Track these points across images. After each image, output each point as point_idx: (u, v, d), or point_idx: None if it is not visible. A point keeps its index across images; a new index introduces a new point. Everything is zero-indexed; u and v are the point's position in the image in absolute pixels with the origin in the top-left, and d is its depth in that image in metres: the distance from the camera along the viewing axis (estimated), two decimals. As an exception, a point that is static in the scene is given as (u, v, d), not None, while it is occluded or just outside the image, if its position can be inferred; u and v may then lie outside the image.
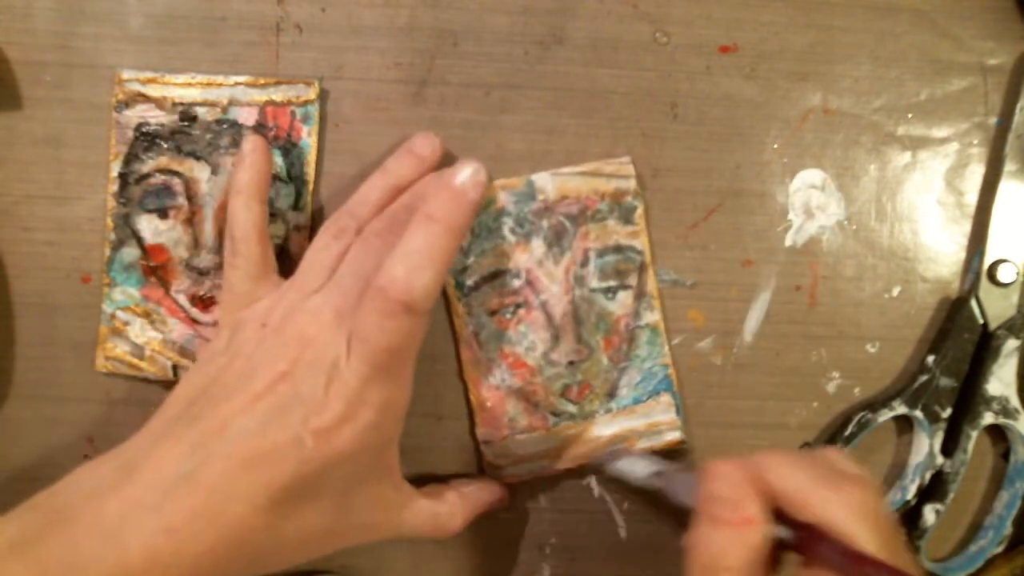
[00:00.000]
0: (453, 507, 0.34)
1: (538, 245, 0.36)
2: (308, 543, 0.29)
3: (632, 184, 0.37)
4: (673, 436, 0.37)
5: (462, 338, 0.36)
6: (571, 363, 0.36)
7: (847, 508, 0.26)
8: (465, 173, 0.28)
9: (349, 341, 0.28)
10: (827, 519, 0.26)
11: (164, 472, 0.27)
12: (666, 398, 0.37)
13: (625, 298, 0.37)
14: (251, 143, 0.33)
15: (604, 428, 0.37)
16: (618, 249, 0.37)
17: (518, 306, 0.36)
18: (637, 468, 0.34)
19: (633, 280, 0.37)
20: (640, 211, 0.37)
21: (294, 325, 0.29)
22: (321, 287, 0.30)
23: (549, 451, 0.36)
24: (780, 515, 0.27)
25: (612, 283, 0.37)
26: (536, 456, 0.36)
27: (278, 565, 0.29)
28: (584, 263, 0.36)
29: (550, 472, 0.37)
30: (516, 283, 0.36)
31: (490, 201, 0.36)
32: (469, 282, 0.36)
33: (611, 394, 0.37)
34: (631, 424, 0.37)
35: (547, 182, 0.36)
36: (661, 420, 0.37)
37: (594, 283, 0.36)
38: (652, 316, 0.37)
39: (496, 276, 0.36)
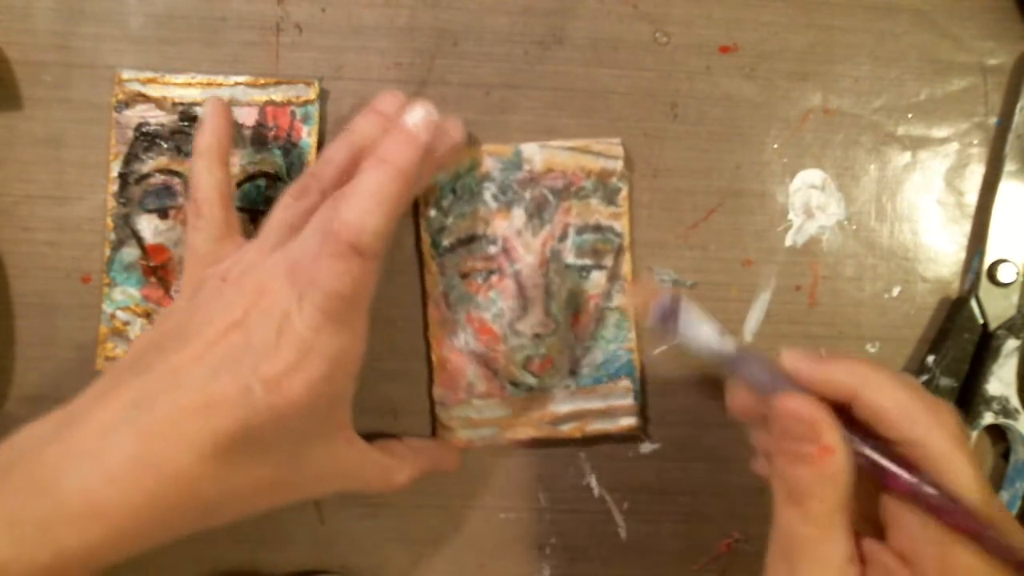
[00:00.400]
0: (403, 461, 0.33)
1: (519, 214, 0.36)
2: (257, 495, 0.29)
3: (619, 166, 0.37)
4: (628, 422, 0.37)
5: (431, 297, 0.36)
6: (536, 335, 0.36)
7: (943, 433, 0.25)
8: (417, 115, 0.28)
9: (302, 290, 0.28)
10: (923, 441, 0.25)
11: (107, 420, 0.26)
12: (625, 383, 0.37)
13: (598, 278, 0.37)
14: (211, 106, 0.33)
15: (561, 404, 0.37)
16: (598, 228, 0.37)
17: (491, 272, 0.36)
18: (702, 334, 0.29)
19: (609, 261, 0.37)
20: (624, 193, 0.37)
21: (252, 278, 0.29)
22: (282, 244, 0.30)
23: (503, 420, 0.36)
24: (862, 431, 0.26)
25: (587, 261, 0.37)
26: (489, 423, 0.37)
27: (227, 517, 0.29)
28: (562, 238, 0.37)
29: (501, 442, 0.37)
30: (492, 249, 0.36)
31: (475, 164, 0.36)
32: (445, 242, 0.36)
33: (572, 371, 0.37)
34: (589, 404, 0.37)
35: (535, 153, 0.37)
36: (618, 404, 0.37)
37: (570, 259, 0.37)
38: (623, 299, 0.37)
39: (473, 240, 0.36)
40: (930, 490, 0.25)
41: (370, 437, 0.33)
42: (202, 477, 0.26)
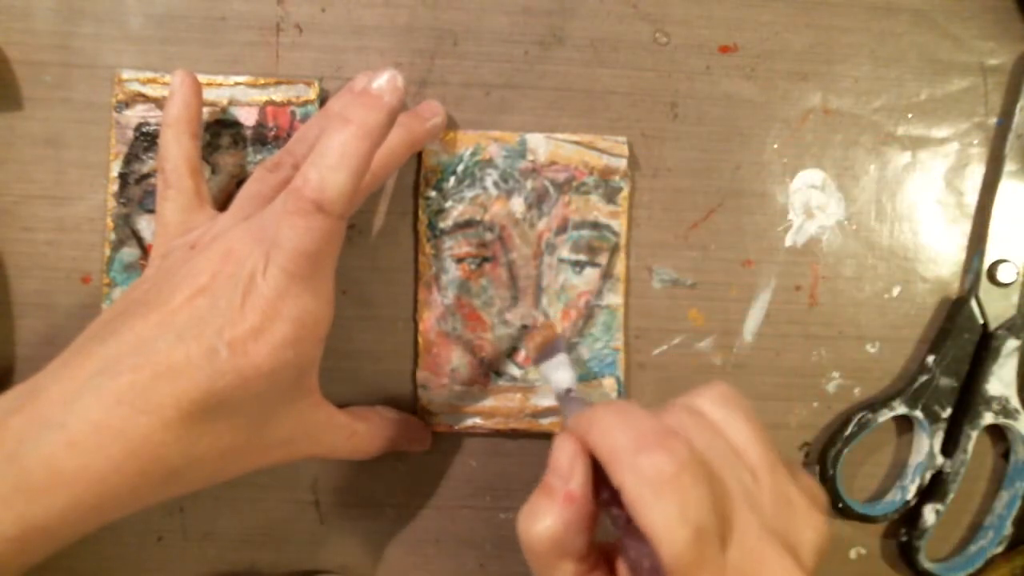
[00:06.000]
0: (372, 427, 0.33)
1: (518, 204, 0.36)
2: (224, 461, 0.29)
3: (623, 164, 0.37)
4: None
5: (423, 279, 0.36)
6: (524, 327, 0.36)
7: (639, 477, 0.23)
8: (382, 79, 0.28)
9: (267, 251, 0.28)
10: (622, 487, 0.24)
11: (71, 389, 0.26)
12: (609, 382, 0.37)
13: (592, 275, 0.37)
14: (179, 77, 0.33)
15: (543, 398, 0.37)
16: (596, 226, 0.37)
17: (485, 259, 0.36)
18: (558, 377, 0.33)
19: (603, 259, 0.37)
20: (625, 193, 0.37)
21: (220, 244, 0.29)
22: (254, 215, 0.30)
23: (483, 409, 0.37)
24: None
25: (582, 257, 0.37)
26: (470, 411, 0.37)
27: (195, 484, 0.29)
28: (559, 232, 0.37)
29: (480, 430, 0.37)
30: (488, 236, 0.36)
31: (479, 149, 0.36)
32: (442, 225, 0.36)
33: None
34: None
35: (540, 144, 0.37)
36: None
37: (564, 253, 0.37)
38: (614, 299, 0.37)
39: (470, 225, 0.36)
40: (632, 547, 0.25)
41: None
42: (167, 443, 0.26)
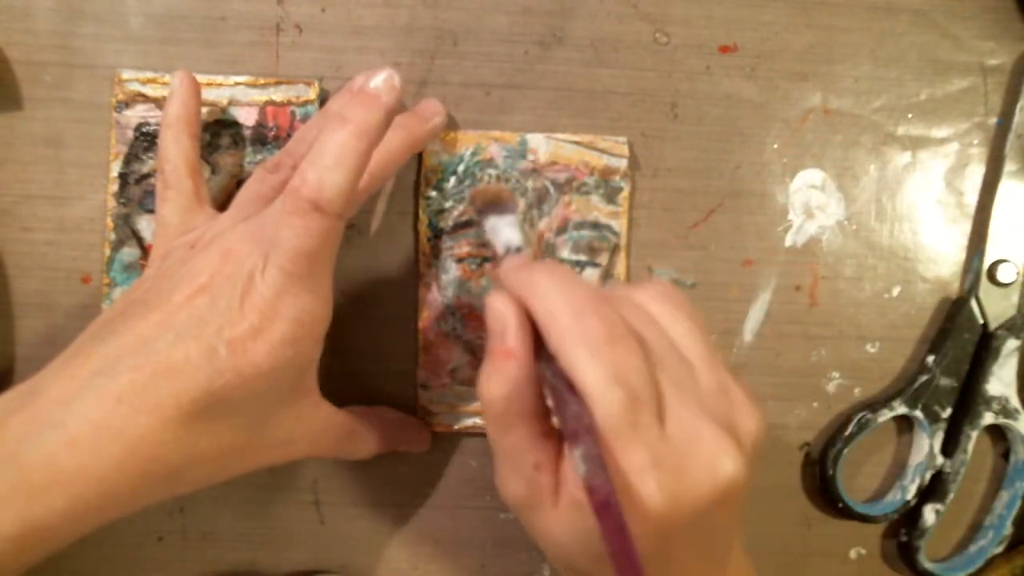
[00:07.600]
0: (371, 428, 0.33)
1: (519, 204, 0.36)
2: (224, 460, 0.29)
3: (623, 165, 0.37)
4: None
5: (423, 278, 0.36)
6: None
7: (575, 338, 0.24)
8: (379, 78, 0.28)
9: (266, 251, 0.28)
10: (557, 348, 0.24)
11: (71, 388, 0.26)
12: None
13: (592, 275, 0.37)
14: (179, 78, 0.33)
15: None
16: (596, 226, 0.37)
17: (485, 259, 0.36)
18: (508, 234, 0.31)
19: (604, 260, 0.37)
20: (625, 193, 0.37)
21: (220, 244, 0.29)
22: (253, 215, 0.30)
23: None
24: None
25: (583, 258, 0.37)
26: (470, 411, 0.37)
27: (194, 484, 0.29)
28: (560, 232, 0.37)
29: (480, 430, 0.37)
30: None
31: (479, 149, 0.36)
32: (442, 225, 0.36)
33: None
34: None
35: (540, 144, 0.37)
36: None
37: (565, 254, 0.37)
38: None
39: (470, 225, 0.36)
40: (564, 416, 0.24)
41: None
42: (167, 442, 0.26)
